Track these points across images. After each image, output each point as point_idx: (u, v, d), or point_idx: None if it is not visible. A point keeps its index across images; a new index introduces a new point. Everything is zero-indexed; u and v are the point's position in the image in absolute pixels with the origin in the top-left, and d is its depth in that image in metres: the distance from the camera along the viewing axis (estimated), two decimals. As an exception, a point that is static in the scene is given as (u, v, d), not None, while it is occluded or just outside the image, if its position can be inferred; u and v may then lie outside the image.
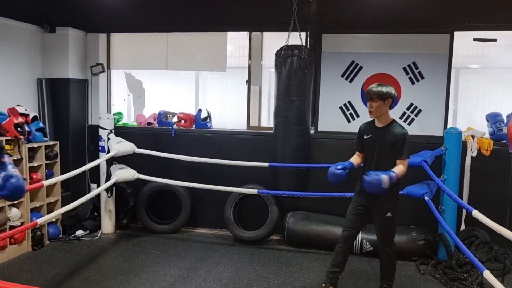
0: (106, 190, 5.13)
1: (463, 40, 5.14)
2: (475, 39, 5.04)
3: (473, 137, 4.87)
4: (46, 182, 3.83)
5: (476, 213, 2.89)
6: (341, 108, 5.20)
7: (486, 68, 5.56)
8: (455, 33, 4.96)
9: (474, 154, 4.85)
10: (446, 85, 4.97)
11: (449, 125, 5.07)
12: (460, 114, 6.07)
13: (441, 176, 4.49)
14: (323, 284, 3.68)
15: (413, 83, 5.03)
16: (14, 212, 4.52)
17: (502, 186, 4.50)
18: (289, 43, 4.71)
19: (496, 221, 2.95)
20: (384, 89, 3.35)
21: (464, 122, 5.31)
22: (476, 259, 2.88)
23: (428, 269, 4.39)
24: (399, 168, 3.28)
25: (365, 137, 3.53)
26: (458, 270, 4.24)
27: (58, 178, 4.17)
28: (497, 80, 5.47)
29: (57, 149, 5.13)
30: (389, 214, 3.46)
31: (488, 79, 5.56)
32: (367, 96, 3.42)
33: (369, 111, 3.43)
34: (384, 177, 3.11)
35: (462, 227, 4.87)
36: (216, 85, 6.06)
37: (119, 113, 5.88)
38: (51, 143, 5.07)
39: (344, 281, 4.06)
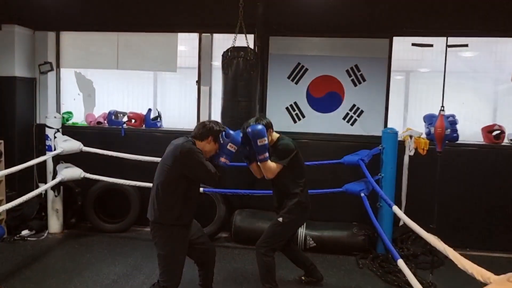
0: (53, 189, 5.09)
1: (406, 44, 5.38)
2: (413, 44, 5.29)
3: (411, 137, 5.13)
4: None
5: (395, 209, 3.08)
6: (287, 108, 5.37)
7: (434, 71, 5.82)
8: (396, 38, 5.22)
9: (412, 153, 5.11)
10: (386, 87, 5.21)
11: (400, 128, 5.29)
12: (410, 116, 6.34)
13: (379, 174, 4.71)
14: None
15: (355, 85, 5.25)
16: (-47, 212, 4.43)
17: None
18: (237, 45, 4.82)
19: (426, 217, 3.16)
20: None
21: (414, 124, 5.50)
22: (393, 249, 3.08)
23: (366, 263, 4.60)
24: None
25: None
26: (394, 263, 4.45)
27: None
28: (440, 84, 5.75)
29: (1, 148, 5.06)
30: (280, 218, 3.58)
31: (435, 83, 5.83)
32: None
33: None
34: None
35: (401, 222, 5.10)
36: (174, 86, 6.09)
37: (69, 112, 5.84)
38: (-6, 142, 5.00)
39: (286, 276, 4.21)
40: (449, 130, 3.99)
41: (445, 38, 5.00)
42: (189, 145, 2.97)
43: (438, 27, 5.04)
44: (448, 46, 4.33)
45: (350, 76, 5.25)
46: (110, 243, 5.06)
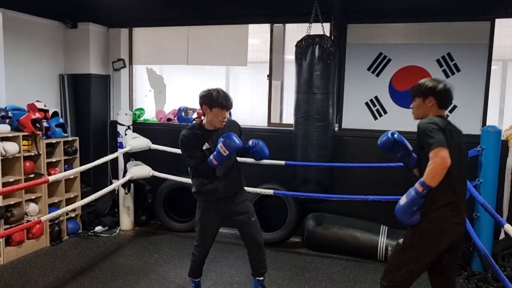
0: (123, 186, 5.08)
1: (508, 29, 4.65)
2: (520, 27, 4.53)
3: (516, 136, 4.37)
4: (51, 178, 3.77)
5: (508, 228, 2.49)
6: (367, 104, 4.85)
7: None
8: (497, 20, 4.47)
9: (517, 155, 4.35)
10: (485, 78, 4.49)
11: (495, 124, 4.59)
12: (507, 111, 5.54)
13: (476, 180, 4.05)
14: None
15: (447, 76, 4.58)
16: (32, 207, 4.55)
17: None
18: (311, 34, 4.44)
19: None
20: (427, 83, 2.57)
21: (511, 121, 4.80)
22: (505, 278, 2.49)
23: (460, 281, 3.99)
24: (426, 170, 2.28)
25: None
26: (494, 285, 3.82)
27: (65, 173, 4.14)
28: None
29: (76, 144, 5.14)
30: (400, 240, 2.60)
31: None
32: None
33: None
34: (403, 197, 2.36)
35: (502, 235, 4.40)
36: (246, 80, 5.85)
37: (141, 109, 5.82)
38: (70, 138, 5.08)
39: (363, 292, 3.76)
40: None
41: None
42: (183, 132, 3.11)
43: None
44: None
45: (441, 66, 4.59)
46: (178, 243, 4.94)
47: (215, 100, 2.98)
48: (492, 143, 4.02)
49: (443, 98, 2.53)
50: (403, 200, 2.32)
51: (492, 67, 4.59)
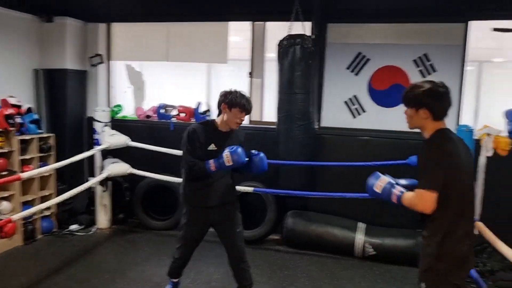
0: (101, 184, 4.99)
1: (484, 31, 4.76)
2: (495, 29, 4.64)
3: (488, 135, 4.48)
4: (24, 175, 3.67)
5: (478, 225, 2.56)
6: (346, 102, 4.91)
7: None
8: (474, 22, 4.58)
9: (490, 154, 4.46)
10: (459, 78, 4.60)
11: (470, 123, 4.70)
12: (481, 111, 5.68)
13: (451, 177, 4.14)
14: None
15: (424, 76, 4.68)
16: (4, 205, 4.43)
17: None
18: (292, 33, 4.46)
19: (505, 228, 2.63)
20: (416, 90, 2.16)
21: (487, 119, 4.91)
22: (476, 275, 2.56)
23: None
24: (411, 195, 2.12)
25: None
26: (467, 279, 3.91)
27: (39, 170, 4.05)
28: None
29: (52, 141, 5.02)
30: (422, 284, 2.17)
31: (512, 74, 5.16)
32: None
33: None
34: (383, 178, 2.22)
35: (475, 232, 4.51)
36: (227, 78, 5.83)
37: (118, 106, 5.73)
38: (45, 135, 4.97)
39: (343, 287, 3.80)
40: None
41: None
42: (193, 125, 2.95)
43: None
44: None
45: (417, 66, 4.68)
46: (156, 241, 4.88)
47: (237, 101, 2.86)
48: (465, 142, 4.10)
49: (439, 110, 2.13)
50: (378, 187, 2.19)
51: (468, 68, 4.71)
